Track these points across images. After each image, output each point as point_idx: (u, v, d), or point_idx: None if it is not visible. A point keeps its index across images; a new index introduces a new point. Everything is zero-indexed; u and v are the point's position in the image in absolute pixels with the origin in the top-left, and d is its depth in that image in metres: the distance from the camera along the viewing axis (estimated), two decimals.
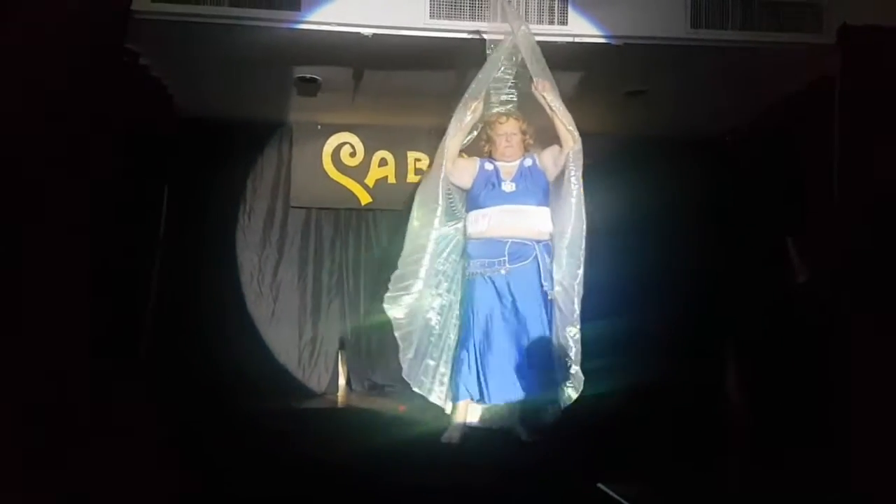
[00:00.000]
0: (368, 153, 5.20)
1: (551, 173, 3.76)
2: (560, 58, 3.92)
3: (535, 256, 3.68)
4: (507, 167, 3.83)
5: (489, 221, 3.73)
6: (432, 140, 5.18)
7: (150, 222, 4.64)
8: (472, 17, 3.70)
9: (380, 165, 5.22)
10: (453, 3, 3.66)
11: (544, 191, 3.77)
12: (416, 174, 5.12)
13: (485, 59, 3.75)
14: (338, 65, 4.17)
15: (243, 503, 2.56)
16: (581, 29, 3.76)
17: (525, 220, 3.72)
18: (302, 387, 5.06)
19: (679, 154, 5.19)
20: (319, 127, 5.20)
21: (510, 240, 3.70)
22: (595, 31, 3.77)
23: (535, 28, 3.72)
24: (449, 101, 4.49)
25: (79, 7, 3.21)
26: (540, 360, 3.62)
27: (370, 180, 5.21)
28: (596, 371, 4.67)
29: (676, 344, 5.00)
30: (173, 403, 4.04)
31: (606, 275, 5.32)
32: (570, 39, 3.78)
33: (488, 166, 3.85)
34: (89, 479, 2.50)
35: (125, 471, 2.64)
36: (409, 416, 4.02)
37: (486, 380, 3.61)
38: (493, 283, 3.70)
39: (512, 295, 3.67)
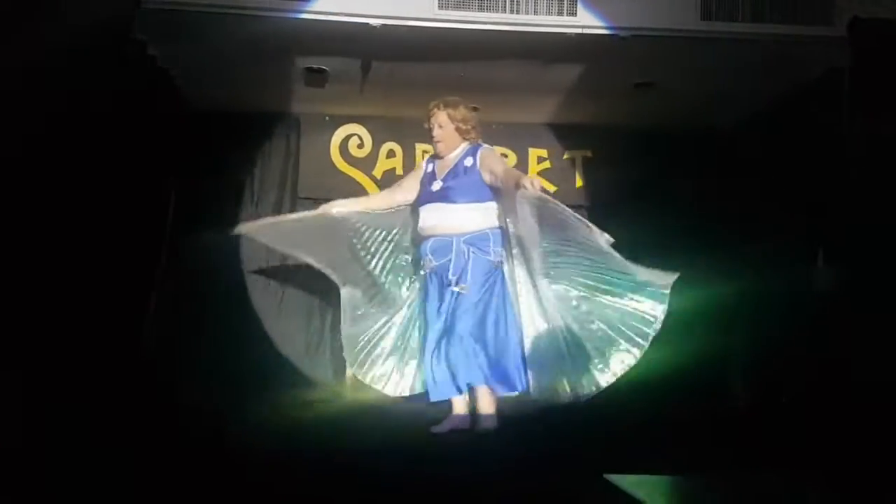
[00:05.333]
0: (376, 144, 5.20)
1: (486, 179, 3.70)
2: (569, 49, 3.92)
3: (453, 254, 3.66)
4: (443, 164, 3.81)
5: (419, 221, 3.81)
6: None
7: (158, 213, 4.66)
8: (481, 8, 3.69)
9: (388, 157, 5.22)
10: None
11: (479, 188, 3.70)
12: None
13: (493, 51, 3.73)
14: (346, 56, 4.17)
15: (249, 492, 2.56)
16: (590, 21, 3.74)
17: (446, 218, 3.70)
18: (309, 377, 5.07)
19: (687, 146, 5.17)
20: (327, 118, 5.20)
21: (432, 237, 3.74)
22: (604, 23, 3.75)
23: (544, 19, 3.71)
24: (458, 92, 4.48)
25: None
26: (467, 356, 3.58)
27: (378, 172, 5.20)
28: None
29: (682, 338, 4.98)
30: (178, 395, 4.08)
31: None
32: (579, 31, 3.76)
33: (429, 167, 3.90)
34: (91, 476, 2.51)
35: (129, 466, 2.66)
36: (415, 406, 4.02)
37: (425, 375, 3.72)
38: (428, 280, 3.78)
39: (441, 291, 3.71)
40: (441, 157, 3.83)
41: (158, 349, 4.57)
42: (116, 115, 3.56)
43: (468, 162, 3.74)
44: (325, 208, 4.08)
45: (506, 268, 3.76)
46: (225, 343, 4.92)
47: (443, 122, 3.76)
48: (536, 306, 3.71)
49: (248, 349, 4.94)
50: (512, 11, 3.69)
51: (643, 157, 5.20)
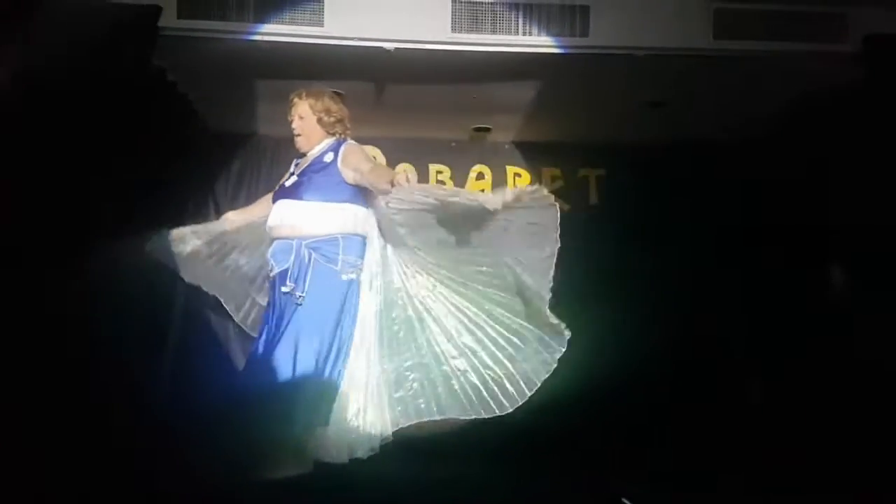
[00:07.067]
0: (391, 165, 5.22)
1: (349, 178, 3.28)
2: (581, 69, 3.94)
3: (292, 259, 3.17)
4: (304, 162, 3.42)
5: (270, 220, 3.31)
6: (454, 153, 5.23)
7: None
8: (494, 31, 3.71)
9: None
10: (475, 18, 3.67)
11: (335, 187, 3.25)
12: None
13: (506, 72, 3.69)
14: (360, 79, 4.21)
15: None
16: (603, 41, 3.75)
17: (290, 216, 3.22)
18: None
19: (701, 164, 5.17)
20: None
21: (276, 240, 3.26)
22: (617, 44, 3.76)
23: (556, 40, 3.73)
24: (471, 113, 4.51)
25: (106, 24, 3.28)
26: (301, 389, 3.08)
27: None
28: (610, 378, 4.66)
29: (697, 353, 4.95)
30: (184, 411, 4.08)
31: (622, 284, 5.34)
32: (591, 52, 3.77)
33: (293, 166, 3.51)
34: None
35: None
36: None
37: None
38: (274, 289, 3.26)
39: (280, 305, 3.20)
40: (304, 154, 3.44)
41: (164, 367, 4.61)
42: (137, 140, 3.61)
43: (328, 157, 3.33)
44: (223, 219, 3.72)
45: (366, 283, 3.28)
46: (230, 361, 4.94)
47: (303, 112, 3.40)
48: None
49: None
50: (524, 33, 3.70)
51: (657, 175, 5.19)
